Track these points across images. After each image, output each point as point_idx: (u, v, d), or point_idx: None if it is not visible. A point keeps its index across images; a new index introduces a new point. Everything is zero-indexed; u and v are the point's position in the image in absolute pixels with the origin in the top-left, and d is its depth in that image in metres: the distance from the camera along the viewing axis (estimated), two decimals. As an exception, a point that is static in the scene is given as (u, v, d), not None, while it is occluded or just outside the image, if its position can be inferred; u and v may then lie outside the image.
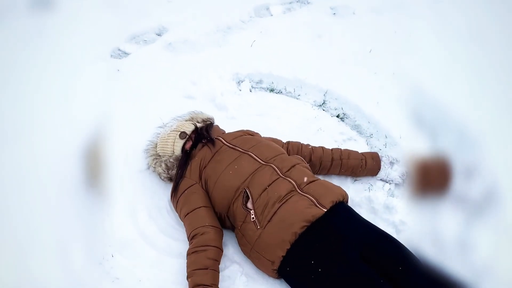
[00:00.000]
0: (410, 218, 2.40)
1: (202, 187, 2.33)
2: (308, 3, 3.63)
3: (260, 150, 2.37)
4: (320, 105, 2.97)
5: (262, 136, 2.56)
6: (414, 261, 2.10)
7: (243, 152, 2.35)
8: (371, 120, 2.86)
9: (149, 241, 2.33)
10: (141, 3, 3.51)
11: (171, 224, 2.39)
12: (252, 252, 2.18)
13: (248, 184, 2.23)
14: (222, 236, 2.26)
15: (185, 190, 2.33)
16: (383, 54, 3.20)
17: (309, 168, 2.38)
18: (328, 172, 2.56)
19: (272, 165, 2.28)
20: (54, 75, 2.99)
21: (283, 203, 2.15)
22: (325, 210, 2.14)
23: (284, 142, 2.56)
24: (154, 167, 2.53)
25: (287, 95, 3.04)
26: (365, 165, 2.54)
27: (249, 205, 2.19)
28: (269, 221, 2.13)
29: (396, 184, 2.56)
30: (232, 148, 2.39)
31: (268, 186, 2.20)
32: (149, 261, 2.25)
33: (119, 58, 3.22)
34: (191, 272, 2.11)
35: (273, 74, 3.10)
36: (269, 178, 2.23)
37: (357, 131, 2.85)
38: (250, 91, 3.03)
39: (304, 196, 2.18)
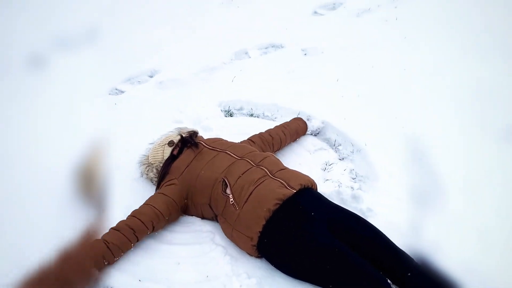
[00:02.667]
0: (376, 207, 2.64)
1: (181, 183, 2.55)
2: (282, 47, 4.01)
3: (236, 149, 2.63)
4: (294, 124, 3.26)
5: None
6: (379, 232, 2.33)
7: (220, 151, 2.62)
8: (339, 133, 3.14)
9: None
10: (136, 51, 3.88)
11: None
12: (234, 232, 2.38)
13: (225, 174, 2.47)
14: (158, 220, 2.43)
15: (165, 182, 2.58)
16: (348, 82, 3.53)
17: (279, 160, 2.64)
18: (285, 143, 2.98)
19: (246, 158, 2.54)
20: (61, 106, 3.30)
21: (257, 186, 2.38)
22: (295, 191, 2.37)
23: (246, 139, 2.87)
24: (147, 174, 2.77)
25: (265, 118, 3.33)
26: (302, 129, 3.10)
27: (228, 191, 2.42)
28: (245, 201, 2.35)
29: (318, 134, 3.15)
30: (211, 149, 2.65)
31: (243, 174, 2.44)
32: (144, 251, 2.43)
33: (116, 95, 3.54)
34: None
35: (252, 101, 3.40)
36: (244, 168, 2.47)
37: (327, 143, 3.11)
38: (231, 115, 3.34)
39: (276, 179, 2.41)
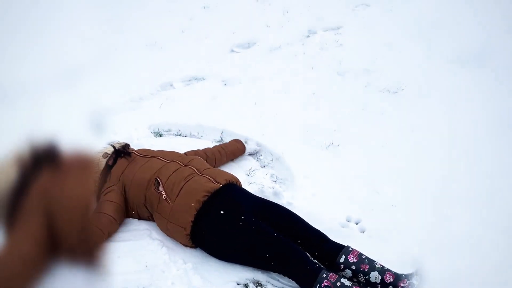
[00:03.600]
0: (294, 201, 2.96)
1: (119, 188, 2.75)
2: (203, 79, 4.35)
3: (165, 154, 2.88)
4: (219, 141, 3.56)
5: None
6: (298, 216, 2.65)
7: (151, 157, 2.85)
8: (258, 144, 3.47)
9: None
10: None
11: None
12: (168, 225, 2.60)
13: (157, 174, 2.70)
14: (114, 228, 2.65)
15: (104, 190, 2.76)
16: (265, 105, 3.90)
17: (206, 162, 2.91)
18: (221, 162, 3.15)
19: (175, 161, 2.79)
20: None
21: (187, 181, 2.63)
22: (221, 185, 2.65)
23: (182, 153, 3.06)
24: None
25: (192, 137, 3.60)
26: (239, 149, 3.31)
27: (160, 188, 2.65)
28: (177, 195, 2.59)
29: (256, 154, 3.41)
30: (143, 156, 2.88)
31: (173, 172, 2.68)
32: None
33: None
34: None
35: (178, 123, 3.67)
36: (174, 167, 2.72)
37: (249, 154, 3.43)
38: (161, 136, 3.60)
39: (203, 176, 2.68)
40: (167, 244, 2.63)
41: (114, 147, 2.95)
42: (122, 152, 2.92)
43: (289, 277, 2.45)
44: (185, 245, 2.62)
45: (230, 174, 2.79)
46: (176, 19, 5.40)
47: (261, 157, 3.39)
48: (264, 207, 2.64)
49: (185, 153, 3.06)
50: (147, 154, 2.89)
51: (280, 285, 2.49)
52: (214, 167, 3.05)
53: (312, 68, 4.44)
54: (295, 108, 3.86)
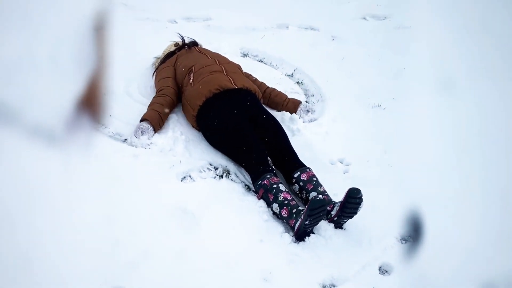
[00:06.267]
0: (304, 130, 3.22)
1: (173, 68, 3.31)
2: (318, 30, 4.67)
3: (213, 54, 3.36)
4: (289, 75, 3.90)
5: None
6: (283, 133, 2.93)
7: (203, 54, 3.34)
8: (316, 87, 3.72)
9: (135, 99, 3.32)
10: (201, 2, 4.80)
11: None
12: (185, 105, 3.08)
13: (195, 63, 3.20)
14: (177, 95, 3.16)
15: (163, 67, 3.35)
16: (350, 62, 4.09)
17: (241, 72, 3.28)
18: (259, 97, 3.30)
19: (215, 59, 3.25)
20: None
21: (211, 74, 3.07)
22: (236, 87, 3.03)
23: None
24: (155, 64, 3.59)
25: (270, 66, 3.98)
26: (286, 106, 3.35)
27: (191, 75, 3.14)
28: (198, 82, 3.06)
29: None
30: (198, 52, 3.39)
31: (206, 66, 3.14)
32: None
33: (172, 23, 4.44)
34: (148, 108, 3.05)
35: (266, 52, 4.07)
36: (209, 63, 3.18)
37: (304, 91, 3.71)
38: (245, 56, 4.07)
39: (227, 76, 3.10)
40: (181, 121, 3.13)
41: (183, 40, 3.53)
42: (186, 44, 3.48)
43: (247, 172, 2.77)
44: (193, 126, 3.09)
45: (252, 84, 3.15)
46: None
47: (312, 97, 3.65)
48: (261, 116, 2.96)
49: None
50: (201, 51, 3.40)
51: (242, 178, 2.83)
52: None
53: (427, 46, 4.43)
54: (373, 75, 3.96)
